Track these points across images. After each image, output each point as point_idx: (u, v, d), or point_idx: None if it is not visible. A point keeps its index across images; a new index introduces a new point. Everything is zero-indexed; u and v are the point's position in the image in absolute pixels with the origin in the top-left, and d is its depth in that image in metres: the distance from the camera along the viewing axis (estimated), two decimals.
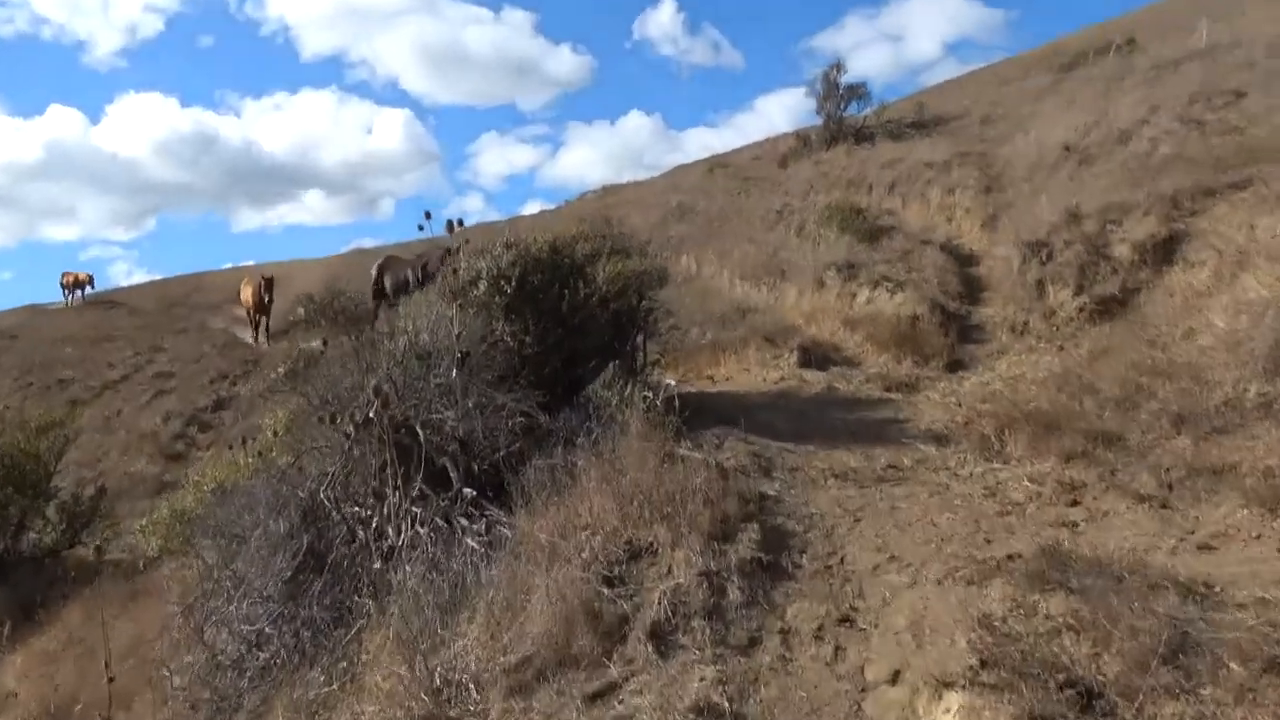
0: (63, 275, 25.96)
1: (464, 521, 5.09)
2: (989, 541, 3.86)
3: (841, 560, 3.94)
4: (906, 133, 20.12)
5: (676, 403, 5.77)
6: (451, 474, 5.42)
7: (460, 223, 5.45)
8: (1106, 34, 24.93)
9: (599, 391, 6.21)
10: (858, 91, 22.24)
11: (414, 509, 5.17)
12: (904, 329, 8.58)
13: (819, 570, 3.87)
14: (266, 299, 18.81)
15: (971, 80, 30.30)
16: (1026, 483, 4.76)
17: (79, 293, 25.73)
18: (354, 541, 5.14)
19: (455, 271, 5.90)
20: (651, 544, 4.06)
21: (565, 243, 6.63)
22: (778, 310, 11.05)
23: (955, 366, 7.98)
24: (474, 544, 4.75)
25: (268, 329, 19.62)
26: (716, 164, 25.26)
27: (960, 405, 6.46)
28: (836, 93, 22.23)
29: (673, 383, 6.17)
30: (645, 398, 5.79)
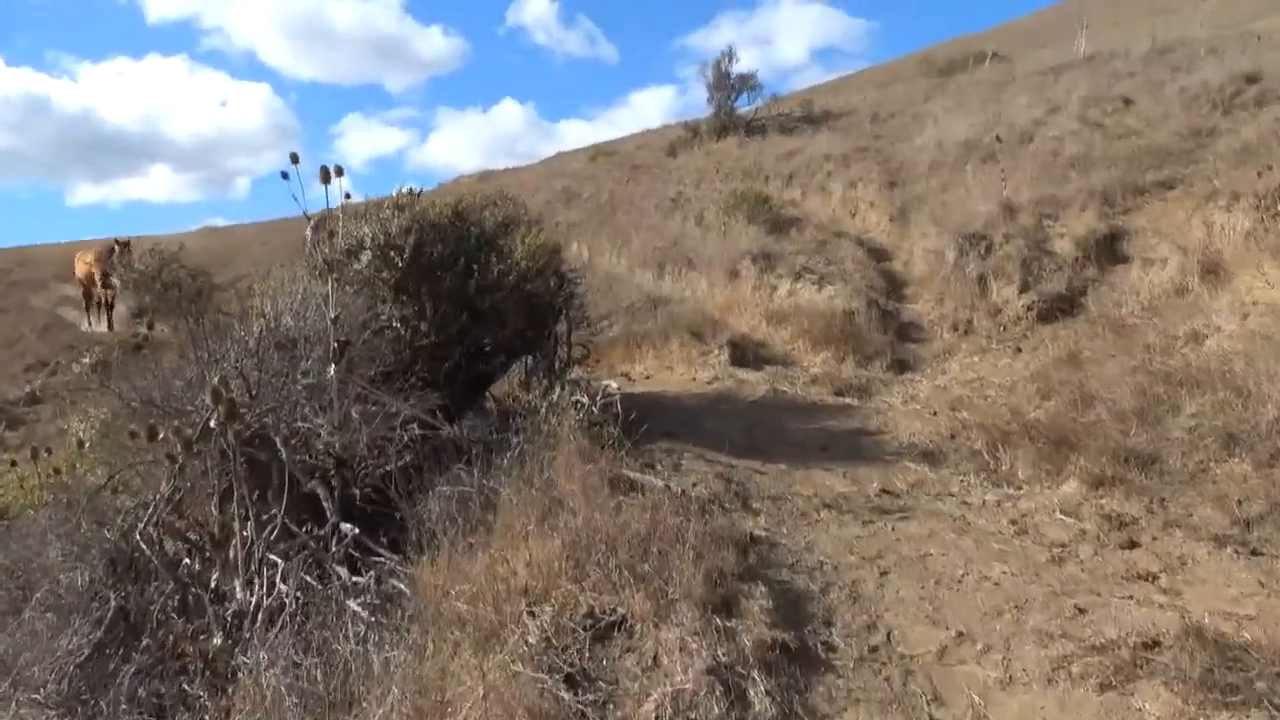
0: None
1: (343, 572, 3.75)
2: (1081, 611, 2.92)
3: (888, 638, 2.89)
4: (798, 126, 19.79)
5: (618, 410, 4.63)
6: (325, 503, 4.06)
7: (340, 171, 4.07)
8: (973, 45, 25.58)
9: (516, 393, 4.97)
10: (749, 82, 21.72)
11: (271, 555, 3.79)
12: (839, 325, 7.74)
13: (863, 656, 2.79)
14: (123, 268, 14.66)
15: (846, 84, 30.63)
16: (1060, 515, 3.90)
17: None
18: (185, 604, 3.69)
19: (331, 235, 4.50)
20: (625, 619, 2.90)
21: (471, 207, 5.33)
22: (690, 302, 10.04)
23: (901, 367, 7.19)
24: (360, 610, 3.43)
25: (111, 306, 15.59)
26: (600, 151, 24.18)
27: (936, 414, 5.62)
28: (727, 82, 21.65)
29: (614, 385, 5.00)
30: (579, 403, 4.60)
